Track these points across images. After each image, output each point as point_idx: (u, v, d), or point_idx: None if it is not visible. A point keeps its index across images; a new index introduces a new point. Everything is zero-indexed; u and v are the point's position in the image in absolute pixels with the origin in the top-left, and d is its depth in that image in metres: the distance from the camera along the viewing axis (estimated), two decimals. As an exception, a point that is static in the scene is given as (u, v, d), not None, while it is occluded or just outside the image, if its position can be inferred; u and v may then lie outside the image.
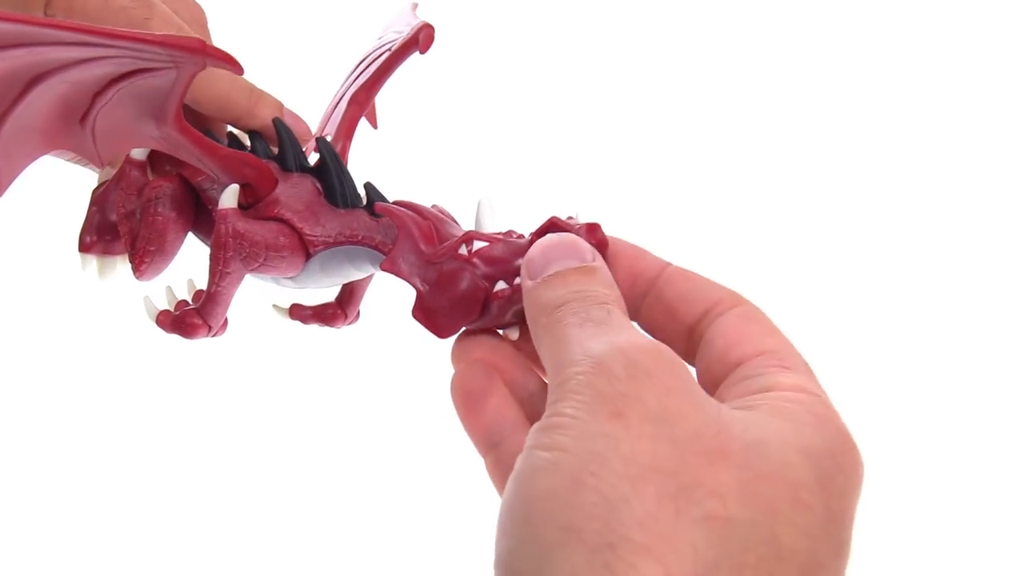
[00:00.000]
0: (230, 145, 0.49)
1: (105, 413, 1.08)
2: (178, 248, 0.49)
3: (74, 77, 0.41)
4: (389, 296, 0.54)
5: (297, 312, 0.52)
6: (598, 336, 0.35)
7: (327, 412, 1.06)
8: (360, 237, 0.45)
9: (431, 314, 0.43)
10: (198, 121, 0.50)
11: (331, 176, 0.47)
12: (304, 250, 0.46)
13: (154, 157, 0.50)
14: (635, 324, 0.39)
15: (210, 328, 0.47)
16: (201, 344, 0.48)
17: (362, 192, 0.47)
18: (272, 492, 1.05)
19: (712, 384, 0.37)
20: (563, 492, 0.31)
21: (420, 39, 0.52)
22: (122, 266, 0.52)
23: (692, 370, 0.37)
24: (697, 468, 0.31)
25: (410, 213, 0.44)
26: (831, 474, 0.33)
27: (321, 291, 0.50)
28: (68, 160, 0.52)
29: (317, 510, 1.03)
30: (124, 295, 0.53)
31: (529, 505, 0.32)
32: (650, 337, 0.37)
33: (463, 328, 0.43)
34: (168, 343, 0.51)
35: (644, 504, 0.30)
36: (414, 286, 0.43)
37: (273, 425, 1.07)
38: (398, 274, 0.43)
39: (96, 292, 0.53)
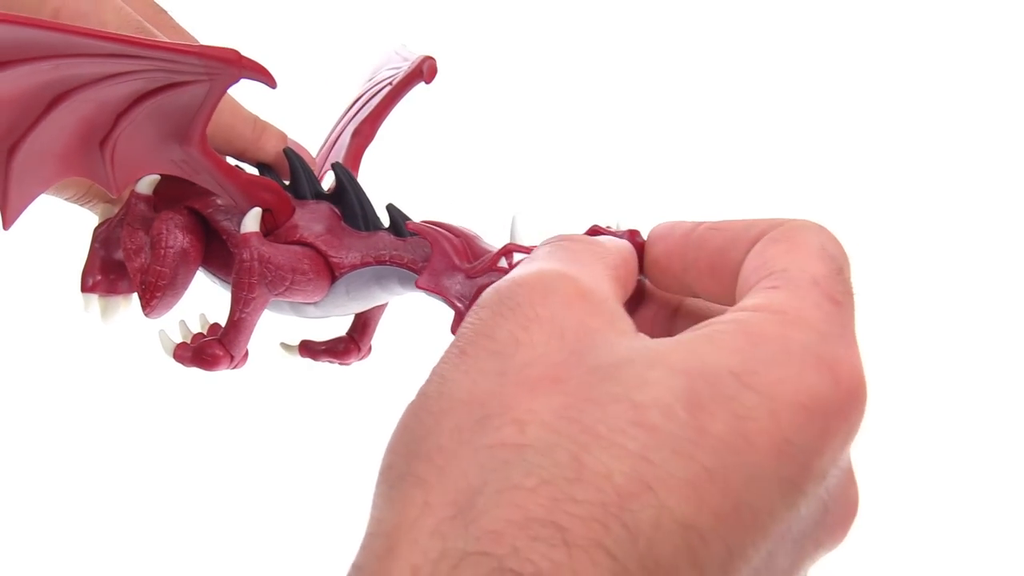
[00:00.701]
0: None
1: (108, 431, 1.06)
2: (189, 283, 0.48)
3: (101, 95, 0.40)
4: (397, 328, 0.54)
5: (307, 349, 0.51)
6: (508, 274, 0.34)
7: (334, 436, 1.03)
8: (388, 258, 0.45)
9: None
10: None
11: (351, 199, 0.46)
12: (330, 273, 0.45)
13: (158, 192, 0.49)
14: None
15: (232, 359, 0.46)
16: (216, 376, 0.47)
17: (382, 215, 0.46)
18: (278, 505, 1.03)
19: None
20: (395, 435, 0.31)
21: (424, 70, 0.52)
22: (125, 307, 0.50)
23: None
24: (510, 397, 0.29)
25: (441, 230, 0.43)
26: (725, 393, 0.28)
27: (341, 319, 0.49)
28: (67, 199, 0.50)
29: (323, 528, 1.00)
30: (128, 331, 0.51)
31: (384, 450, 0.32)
32: (561, 268, 0.33)
33: None
34: (172, 374, 0.49)
35: (439, 437, 0.29)
36: (451, 303, 0.42)
37: (279, 445, 1.05)
38: (435, 291, 0.42)
39: (99, 332, 0.51)
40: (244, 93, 0.49)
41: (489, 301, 0.32)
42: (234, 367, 0.46)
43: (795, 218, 0.34)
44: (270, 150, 0.48)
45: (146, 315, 0.47)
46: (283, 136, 0.49)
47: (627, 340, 0.30)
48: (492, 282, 0.41)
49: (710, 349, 0.29)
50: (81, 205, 0.50)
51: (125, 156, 0.43)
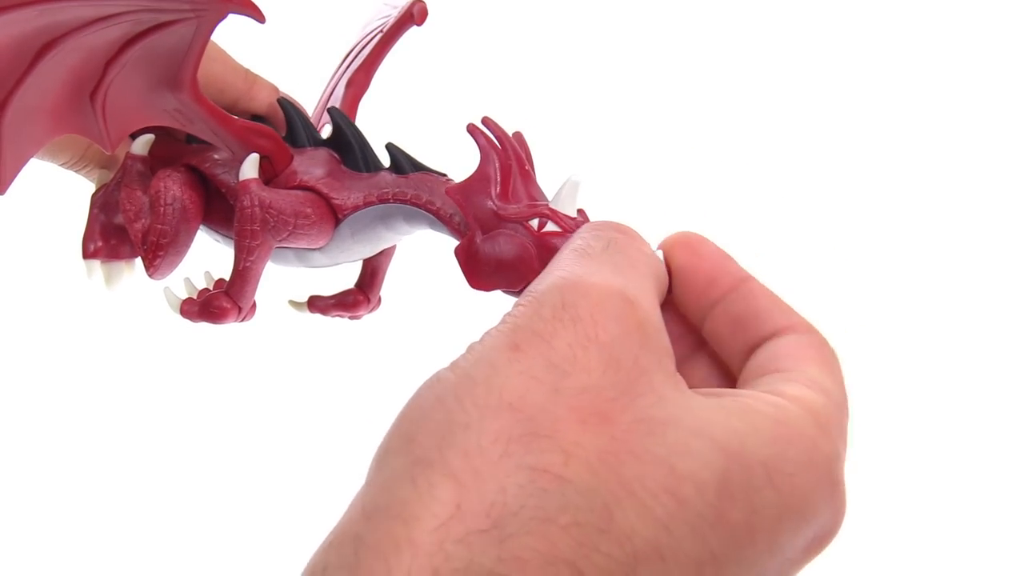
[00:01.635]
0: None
1: (110, 417, 1.05)
2: (191, 241, 0.47)
3: (88, 42, 0.39)
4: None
5: (317, 304, 0.50)
6: (567, 267, 0.34)
7: (339, 415, 1.02)
8: (391, 195, 0.44)
9: (474, 263, 0.41)
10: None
11: (349, 141, 0.45)
12: (333, 216, 0.44)
13: (154, 154, 0.48)
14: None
15: (240, 310, 0.45)
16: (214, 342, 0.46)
17: (383, 158, 0.45)
18: (282, 497, 1.01)
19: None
20: (425, 406, 0.30)
21: (415, 13, 0.51)
22: (128, 272, 0.49)
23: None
24: (560, 422, 0.29)
25: (497, 146, 0.41)
26: (753, 484, 0.29)
27: (350, 268, 0.48)
28: (62, 164, 0.49)
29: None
30: (130, 300, 0.50)
31: (401, 412, 0.31)
32: (618, 284, 0.33)
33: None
34: (171, 348, 0.48)
35: (480, 436, 0.29)
36: (470, 226, 0.41)
37: (283, 427, 1.04)
38: (462, 205, 0.41)
39: (102, 298, 0.50)
40: (235, 48, 0.48)
41: (550, 300, 0.32)
42: (242, 319, 0.45)
43: (819, 330, 0.36)
44: (263, 100, 0.48)
45: (150, 276, 0.46)
46: (275, 88, 0.48)
47: (674, 392, 0.31)
48: (518, 239, 0.40)
49: (749, 432, 0.30)
50: (77, 171, 0.49)
51: (117, 107, 0.42)
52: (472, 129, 0.41)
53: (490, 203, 0.40)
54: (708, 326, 0.37)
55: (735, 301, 0.37)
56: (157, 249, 0.45)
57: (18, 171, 0.43)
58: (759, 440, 0.30)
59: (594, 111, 1.08)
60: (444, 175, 0.43)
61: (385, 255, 0.50)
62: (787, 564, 0.31)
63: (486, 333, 0.32)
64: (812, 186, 1.07)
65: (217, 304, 0.44)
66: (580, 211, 0.41)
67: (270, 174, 0.45)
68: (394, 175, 0.44)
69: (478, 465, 0.29)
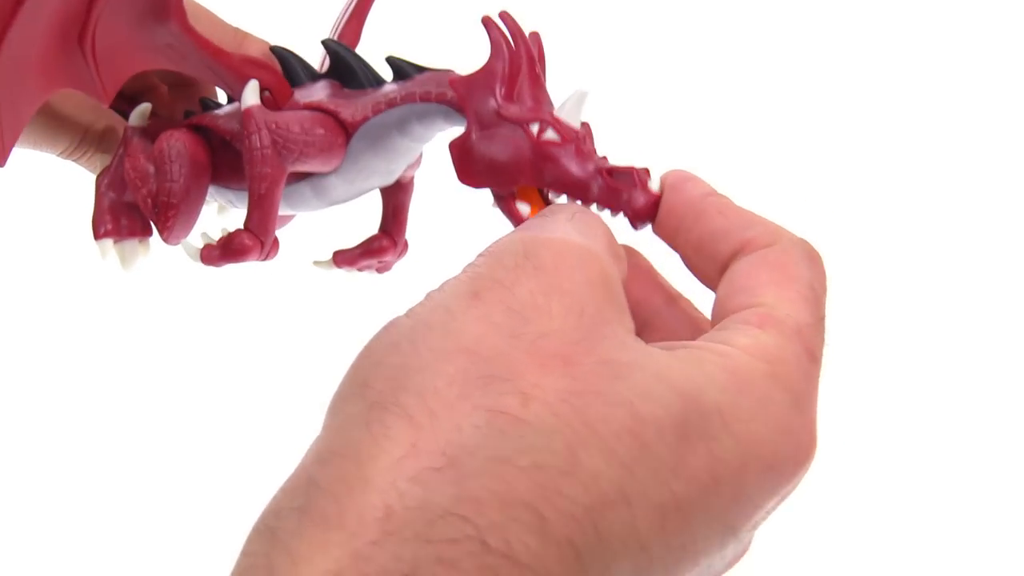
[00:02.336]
0: (206, 108, 0.46)
1: (112, 411, 1.02)
2: (202, 201, 0.45)
3: None
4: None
5: (342, 258, 0.48)
6: (530, 225, 0.33)
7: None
8: (399, 98, 0.42)
9: (467, 158, 0.39)
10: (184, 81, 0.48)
11: (348, 63, 0.44)
12: (343, 131, 0.43)
13: (151, 129, 0.47)
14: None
15: (262, 245, 0.43)
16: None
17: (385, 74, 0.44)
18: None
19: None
20: (380, 351, 0.30)
21: None
22: (144, 252, 0.48)
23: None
24: (519, 365, 0.28)
25: (510, 43, 0.39)
26: (710, 431, 0.29)
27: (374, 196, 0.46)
28: (60, 154, 0.48)
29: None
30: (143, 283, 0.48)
31: (356, 359, 0.30)
32: (584, 240, 0.32)
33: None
34: (187, 333, 0.46)
35: (436, 379, 0.28)
36: (468, 121, 0.39)
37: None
38: (463, 98, 0.39)
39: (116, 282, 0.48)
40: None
41: (511, 250, 0.31)
42: (265, 256, 0.43)
43: (791, 235, 0.34)
44: (255, 53, 0.47)
45: (165, 239, 0.44)
46: (265, 43, 0.47)
47: (634, 341, 0.30)
48: (515, 140, 0.38)
49: (704, 380, 0.29)
50: (76, 160, 0.48)
51: (108, 50, 0.41)
52: (487, 21, 0.40)
53: (492, 101, 0.39)
54: (681, 253, 0.36)
55: (695, 221, 0.36)
56: (168, 209, 0.44)
57: (16, 136, 0.42)
58: (714, 387, 0.29)
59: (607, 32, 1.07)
60: (450, 70, 0.42)
61: (404, 191, 0.48)
62: (757, 512, 0.30)
63: (445, 282, 0.31)
64: (808, 184, 1.06)
65: (238, 241, 0.43)
66: (584, 124, 0.39)
67: (272, 107, 0.44)
68: (399, 82, 0.42)
69: (433, 406, 0.28)
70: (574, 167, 0.38)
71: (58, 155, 0.48)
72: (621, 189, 0.37)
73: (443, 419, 0.27)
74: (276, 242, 0.44)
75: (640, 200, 0.37)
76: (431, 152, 0.46)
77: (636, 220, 0.37)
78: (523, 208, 0.39)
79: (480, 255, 0.32)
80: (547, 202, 0.39)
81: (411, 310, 0.31)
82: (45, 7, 0.39)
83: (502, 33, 0.39)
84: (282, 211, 0.45)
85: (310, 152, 0.42)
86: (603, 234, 0.34)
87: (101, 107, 0.47)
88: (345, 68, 0.44)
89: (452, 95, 0.40)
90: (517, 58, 0.39)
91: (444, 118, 0.41)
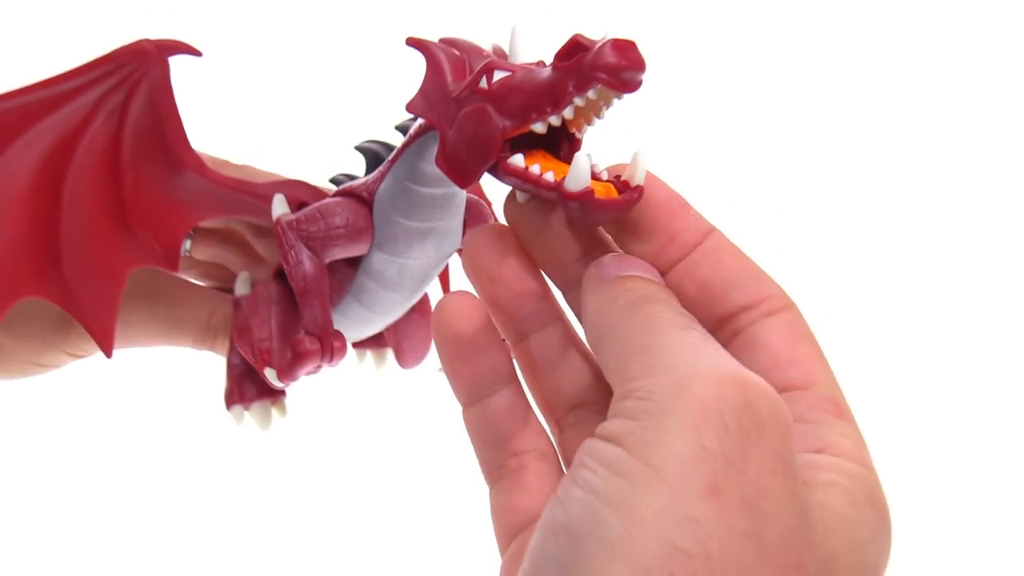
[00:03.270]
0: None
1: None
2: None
3: (87, 157, 0.42)
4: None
5: None
6: (703, 352, 0.29)
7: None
8: (398, 151, 0.42)
9: (453, 160, 0.36)
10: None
11: (376, 153, 0.46)
12: (363, 204, 0.43)
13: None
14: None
15: (322, 346, 0.43)
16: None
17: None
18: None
19: None
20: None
21: None
22: (278, 411, 0.49)
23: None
24: None
25: (441, 46, 0.39)
26: None
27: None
28: (192, 347, 0.51)
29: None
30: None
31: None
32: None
33: (484, 172, 0.36)
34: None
35: None
36: (440, 129, 0.37)
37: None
38: (422, 114, 0.38)
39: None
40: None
41: (732, 403, 0.27)
42: (331, 359, 0.43)
43: (791, 299, 0.33)
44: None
45: (281, 381, 0.45)
46: (273, 174, 0.48)
47: (807, 497, 0.29)
48: (473, 107, 0.36)
49: (864, 536, 0.30)
50: (210, 348, 0.51)
51: (152, 219, 0.44)
52: (413, 41, 0.39)
53: (447, 94, 0.37)
54: (670, 285, 0.33)
55: (699, 262, 0.33)
56: (263, 354, 0.45)
57: (112, 325, 0.44)
58: (871, 545, 0.30)
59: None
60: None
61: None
62: None
63: (634, 439, 0.27)
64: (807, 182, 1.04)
65: (298, 345, 0.43)
66: (540, 63, 0.36)
67: None
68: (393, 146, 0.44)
69: None
70: (535, 81, 0.34)
71: (192, 348, 0.50)
72: (582, 59, 0.33)
73: None
74: (342, 343, 0.44)
75: (608, 56, 0.32)
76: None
77: (622, 86, 0.32)
78: (533, 168, 0.34)
79: (686, 405, 0.27)
80: (558, 155, 0.36)
81: (624, 511, 0.26)
82: (83, 189, 0.43)
83: (426, 42, 0.39)
84: (357, 326, 0.45)
85: (334, 233, 0.43)
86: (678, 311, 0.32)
87: (216, 297, 0.49)
88: (374, 157, 0.46)
89: (423, 118, 0.40)
90: (459, 47, 0.39)
91: (436, 141, 0.40)
